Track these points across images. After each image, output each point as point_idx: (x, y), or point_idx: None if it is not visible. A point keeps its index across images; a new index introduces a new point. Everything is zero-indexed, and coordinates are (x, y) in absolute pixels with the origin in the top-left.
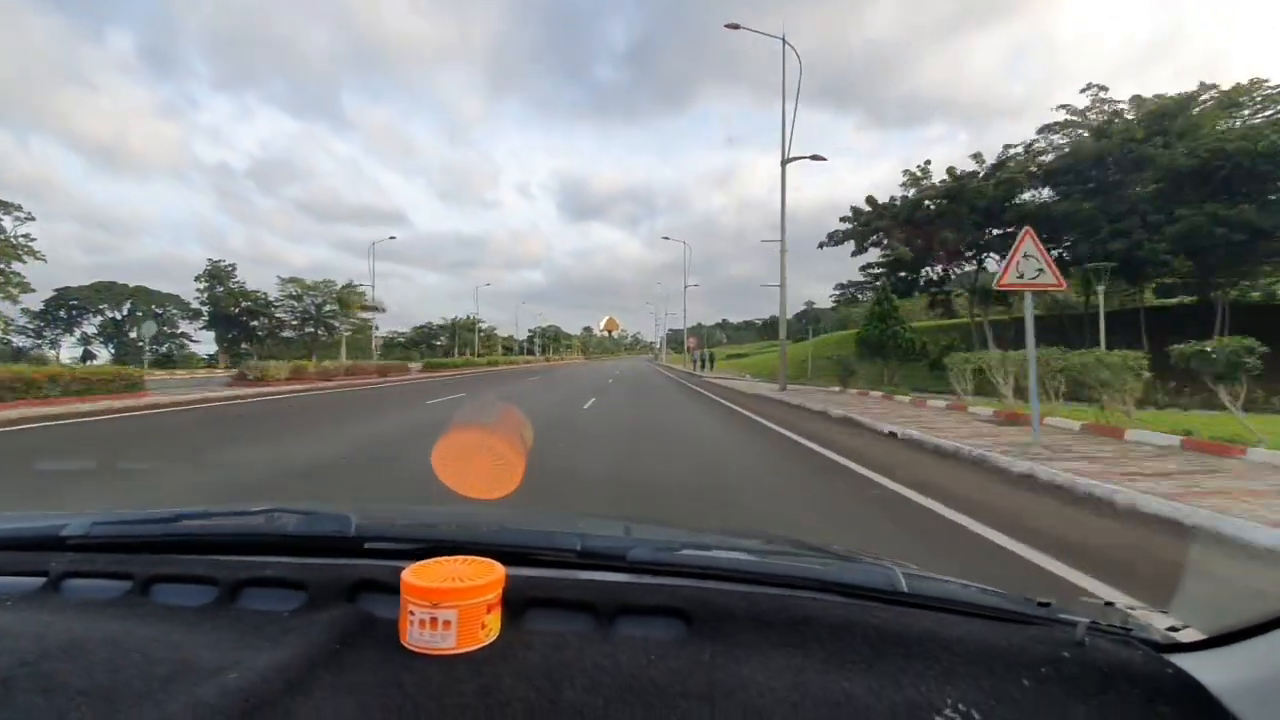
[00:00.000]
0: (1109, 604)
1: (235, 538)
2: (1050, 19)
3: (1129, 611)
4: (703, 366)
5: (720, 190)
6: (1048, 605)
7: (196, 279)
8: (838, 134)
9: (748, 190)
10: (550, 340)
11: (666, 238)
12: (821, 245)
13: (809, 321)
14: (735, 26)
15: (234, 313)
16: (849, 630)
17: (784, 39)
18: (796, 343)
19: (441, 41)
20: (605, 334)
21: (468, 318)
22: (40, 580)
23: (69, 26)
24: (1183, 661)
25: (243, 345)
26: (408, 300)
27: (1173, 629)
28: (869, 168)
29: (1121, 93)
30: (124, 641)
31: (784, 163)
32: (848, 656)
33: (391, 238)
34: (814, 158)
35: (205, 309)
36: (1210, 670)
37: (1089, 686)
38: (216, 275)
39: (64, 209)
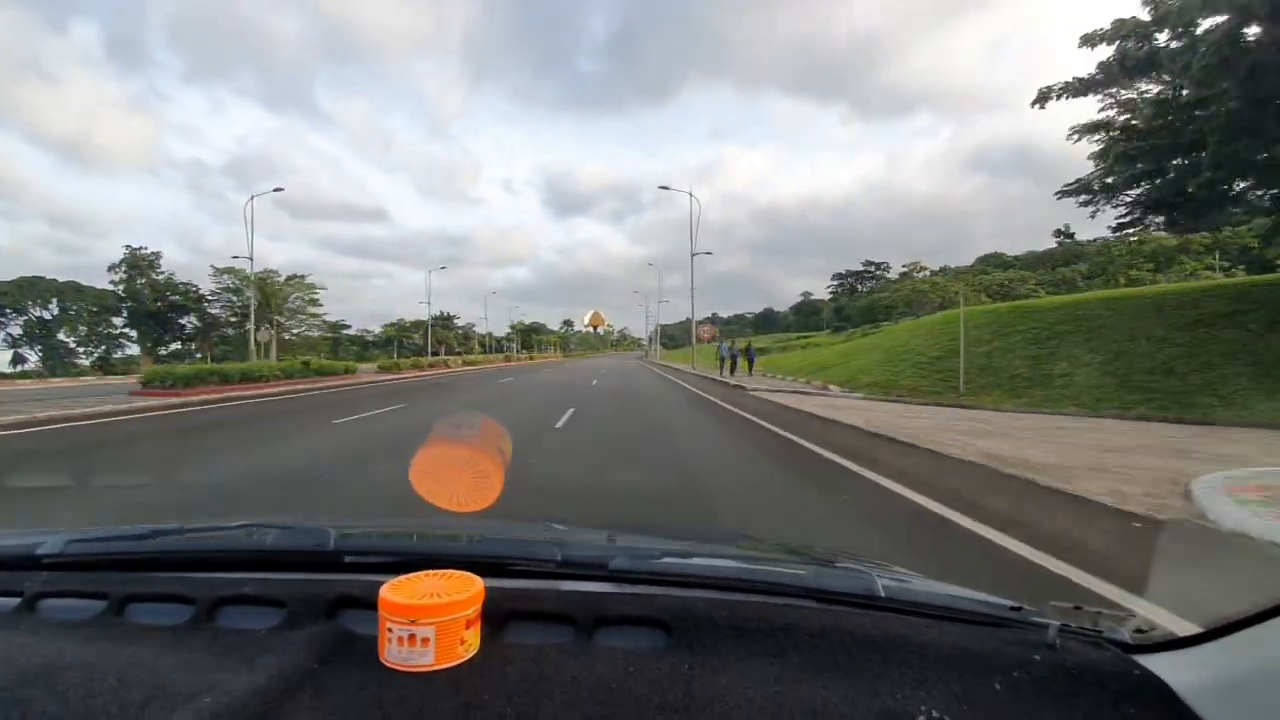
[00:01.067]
0: (1078, 607)
1: (213, 554)
2: (1033, 7)
3: (1099, 613)
4: (733, 368)
5: (704, 184)
6: (1019, 609)
7: (110, 268)
8: (822, 127)
9: (732, 185)
10: (520, 334)
11: (664, 187)
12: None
13: (809, 313)
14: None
15: (157, 308)
16: (827, 637)
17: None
18: (836, 333)
19: (417, 31)
20: (590, 329)
21: (442, 314)
22: (15, 600)
23: (29, 18)
24: (1150, 663)
25: (176, 345)
26: (391, 298)
27: (1140, 630)
28: (853, 162)
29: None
30: (99, 665)
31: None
32: (825, 664)
33: (278, 189)
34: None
35: (125, 305)
36: (1176, 671)
37: (1059, 688)
38: (136, 265)
39: (31, 208)
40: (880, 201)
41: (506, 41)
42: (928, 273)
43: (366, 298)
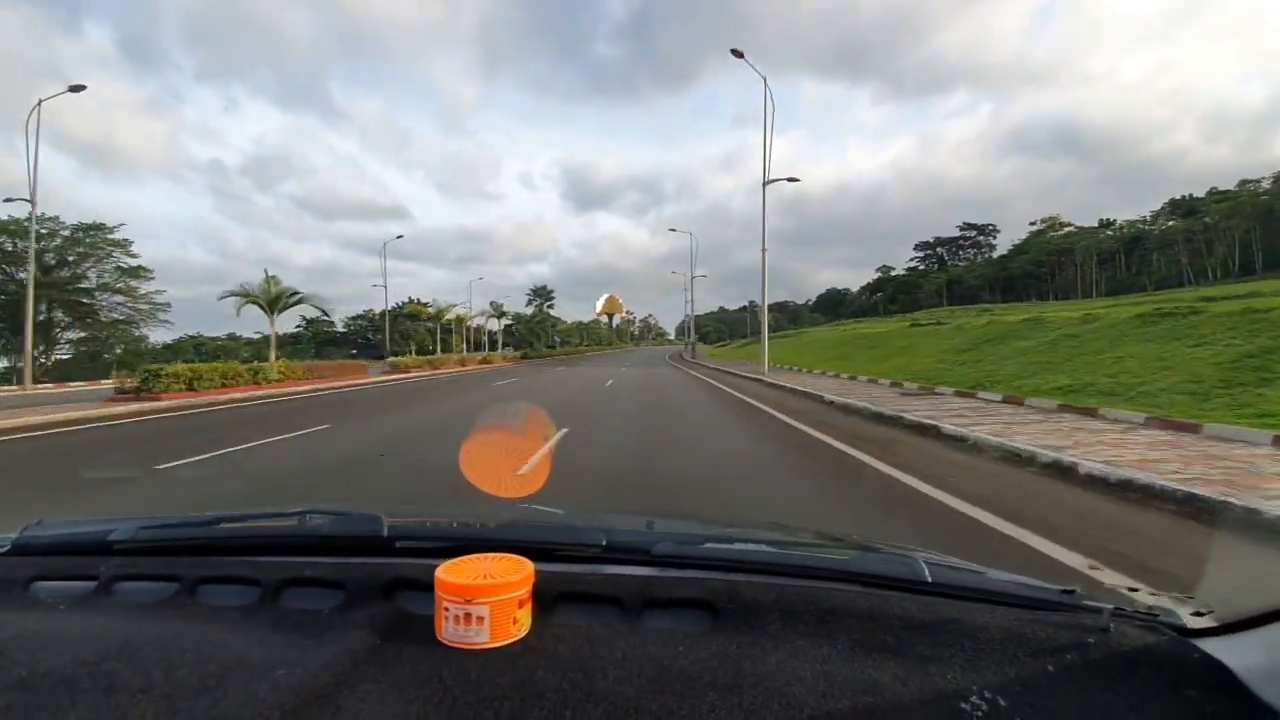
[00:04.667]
0: (1134, 590)
1: (273, 539)
2: None
3: (1153, 597)
4: None
5: (728, 173)
6: (1072, 592)
7: None
8: (853, 108)
9: (756, 173)
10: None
11: (673, 229)
12: None
13: (902, 289)
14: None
15: None
16: (874, 620)
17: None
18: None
19: (429, 19)
20: (603, 319)
21: (412, 300)
22: (91, 584)
23: (45, 20)
24: (1208, 645)
25: None
26: (413, 295)
27: (1197, 614)
28: (884, 146)
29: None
30: (176, 641)
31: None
32: (874, 646)
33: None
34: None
35: None
36: (1235, 653)
37: (1114, 671)
38: None
39: (57, 212)
40: (912, 188)
41: (521, 27)
42: (1072, 228)
43: (390, 298)
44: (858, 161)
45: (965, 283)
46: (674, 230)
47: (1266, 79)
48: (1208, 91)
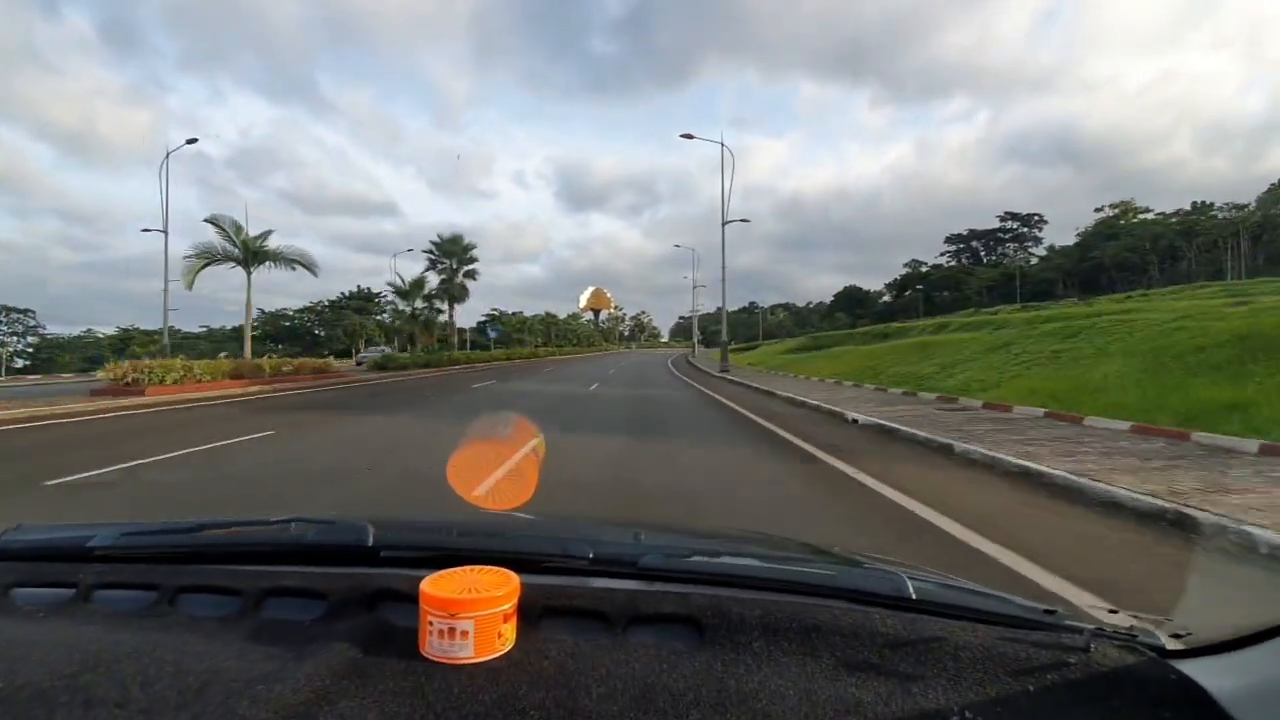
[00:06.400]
0: (1114, 611)
1: (256, 547)
2: None
3: (1134, 618)
4: None
5: (727, 173)
6: (1054, 612)
7: None
8: (851, 112)
9: (753, 176)
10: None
11: (688, 135)
12: None
13: (943, 284)
14: (689, 136)
15: None
16: (858, 637)
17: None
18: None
19: (420, 10)
20: (587, 314)
21: (359, 290)
22: (70, 591)
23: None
24: (1187, 667)
25: None
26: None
27: (1177, 635)
28: (882, 150)
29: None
30: (154, 653)
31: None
32: (858, 663)
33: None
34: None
35: None
36: (1214, 676)
37: (1094, 692)
38: None
39: (42, 204)
40: (908, 193)
41: (516, 20)
42: (1150, 214)
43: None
44: (856, 165)
45: (1032, 276)
46: (690, 137)
47: (1265, 90)
48: (1207, 102)
